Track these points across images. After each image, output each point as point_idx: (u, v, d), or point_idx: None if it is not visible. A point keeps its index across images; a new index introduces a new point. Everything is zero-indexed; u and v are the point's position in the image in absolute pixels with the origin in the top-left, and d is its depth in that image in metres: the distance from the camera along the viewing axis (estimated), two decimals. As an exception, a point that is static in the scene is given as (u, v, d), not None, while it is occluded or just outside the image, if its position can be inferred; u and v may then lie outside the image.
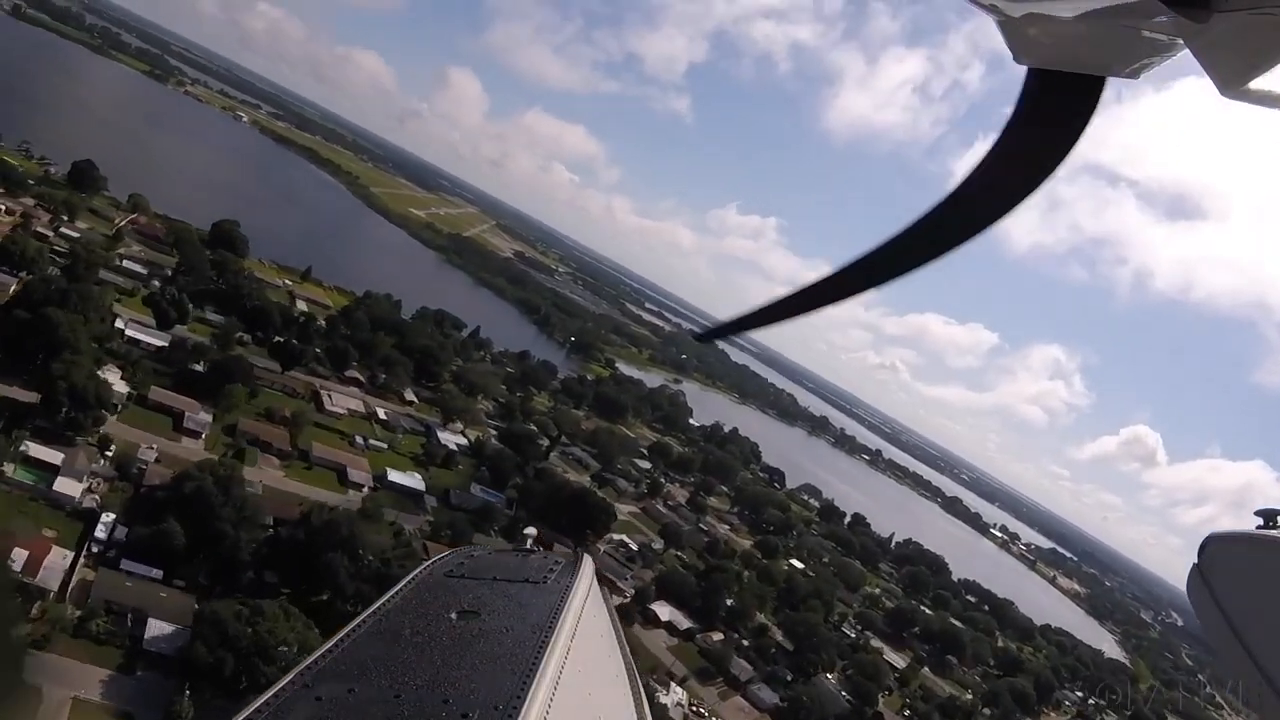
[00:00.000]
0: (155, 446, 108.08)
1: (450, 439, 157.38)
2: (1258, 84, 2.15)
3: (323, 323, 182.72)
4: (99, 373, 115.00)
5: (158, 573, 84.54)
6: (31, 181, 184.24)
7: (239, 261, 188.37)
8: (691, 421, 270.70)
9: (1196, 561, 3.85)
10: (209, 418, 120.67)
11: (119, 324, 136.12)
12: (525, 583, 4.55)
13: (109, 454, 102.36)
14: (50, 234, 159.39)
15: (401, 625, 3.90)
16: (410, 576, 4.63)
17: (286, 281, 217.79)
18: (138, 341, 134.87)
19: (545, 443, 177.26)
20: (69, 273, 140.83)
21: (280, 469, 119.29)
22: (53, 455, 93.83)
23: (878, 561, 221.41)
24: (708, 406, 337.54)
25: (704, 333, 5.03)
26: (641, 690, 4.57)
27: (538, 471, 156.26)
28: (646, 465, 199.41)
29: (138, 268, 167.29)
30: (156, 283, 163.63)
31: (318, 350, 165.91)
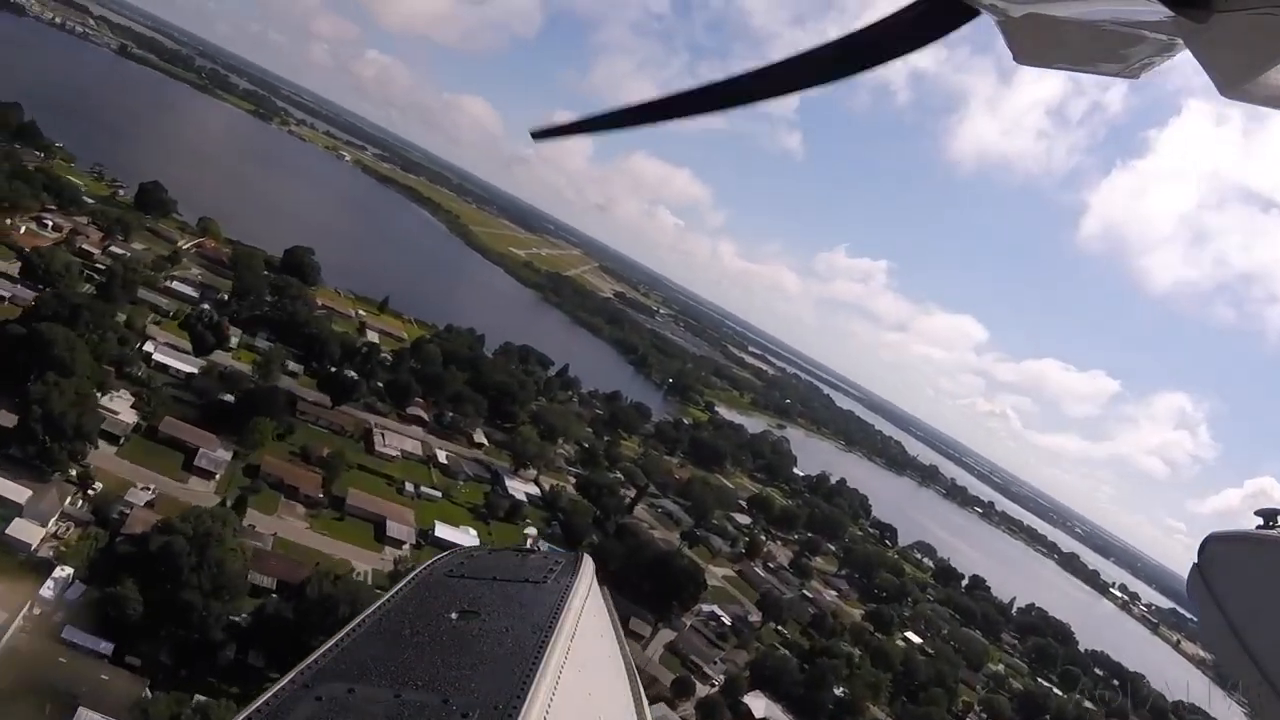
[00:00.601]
0: (153, 487, 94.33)
1: (519, 488, 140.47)
2: (1258, 84, 2.20)
3: (388, 355, 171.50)
4: (105, 398, 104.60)
5: (107, 647, 69.10)
6: (91, 200, 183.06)
7: (303, 288, 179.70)
8: (796, 471, 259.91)
9: (1196, 561, 4.02)
10: (228, 455, 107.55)
11: (149, 347, 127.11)
12: (525, 583, 4.59)
13: (92, 492, 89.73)
14: (96, 252, 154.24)
15: (401, 625, 3.96)
16: (410, 576, 4.65)
17: (360, 312, 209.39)
18: (166, 367, 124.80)
19: (631, 493, 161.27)
20: (103, 291, 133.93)
21: (305, 519, 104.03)
22: (18, 491, 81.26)
23: (999, 631, 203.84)
24: (813, 454, 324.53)
25: (538, 131, 4.71)
26: (641, 690, 4.61)
27: (619, 528, 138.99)
28: (745, 520, 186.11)
29: (188, 290, 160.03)
30: (206, 306, 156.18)
31: (379, 384, 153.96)
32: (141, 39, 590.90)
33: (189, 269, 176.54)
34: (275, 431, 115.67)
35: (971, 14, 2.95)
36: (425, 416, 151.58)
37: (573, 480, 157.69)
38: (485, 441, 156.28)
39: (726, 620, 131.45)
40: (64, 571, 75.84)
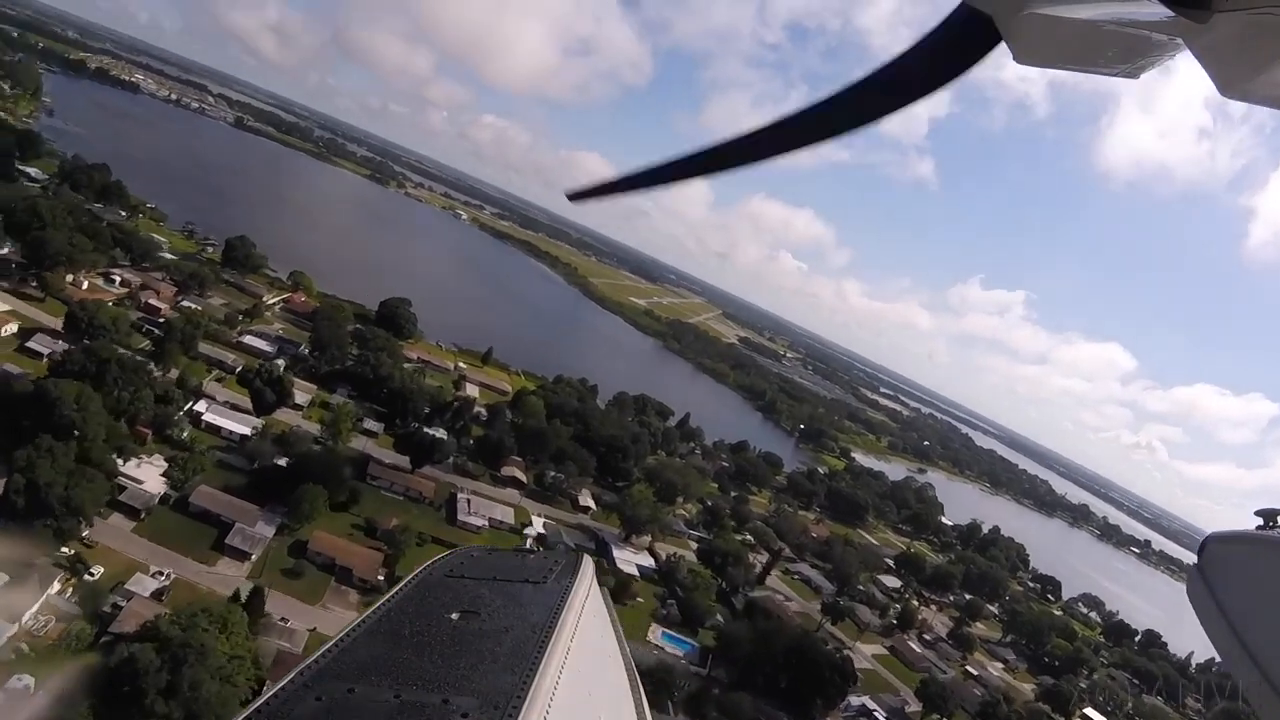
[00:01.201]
0: (168, 572, 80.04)
1: (630, 559, 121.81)
2: (1258, 84, 2.28)
3: (483, 410, 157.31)
4: (131, 465, 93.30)
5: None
6: (171, 256, 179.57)
7: (390, 341, 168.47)
8: (944, 520, 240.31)
9: (1196, 562, 4.27)
10: (270, 531, 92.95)
11: (200, 406, 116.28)
12: (525, 583, 4.81)
13: (89, 577, 76.12)
14: (164, 307, 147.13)
15: (401, 625, 4.16)
16: (410, 576, 4.90)
17: (460, 364, 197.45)
18: (218, 428, 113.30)
19: (762, 559, 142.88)
20: (159, 346, 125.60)
21: (357, 607, 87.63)
22: (-12, 580, 68.40)
23: (1182, 697, 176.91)
24: (958, 499, 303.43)
25: (575, 193, 4.94)
26: (641, 690, 4.87)
27: (748, 604, 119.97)
28: (894, 583, 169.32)
29: (262, 345, 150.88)
30: (280, 360, 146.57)
31: (470, 442, 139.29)
32: (260, 113, 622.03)
33: (270, 323, 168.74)
34: (335, 501, 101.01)
35: (996, 39, 3.02)
36: (523, 478, 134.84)
37: (694, 546, 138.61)
38: (592, 505, 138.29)
39: (881, 715, 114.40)
40: (22, 681, 61.37)
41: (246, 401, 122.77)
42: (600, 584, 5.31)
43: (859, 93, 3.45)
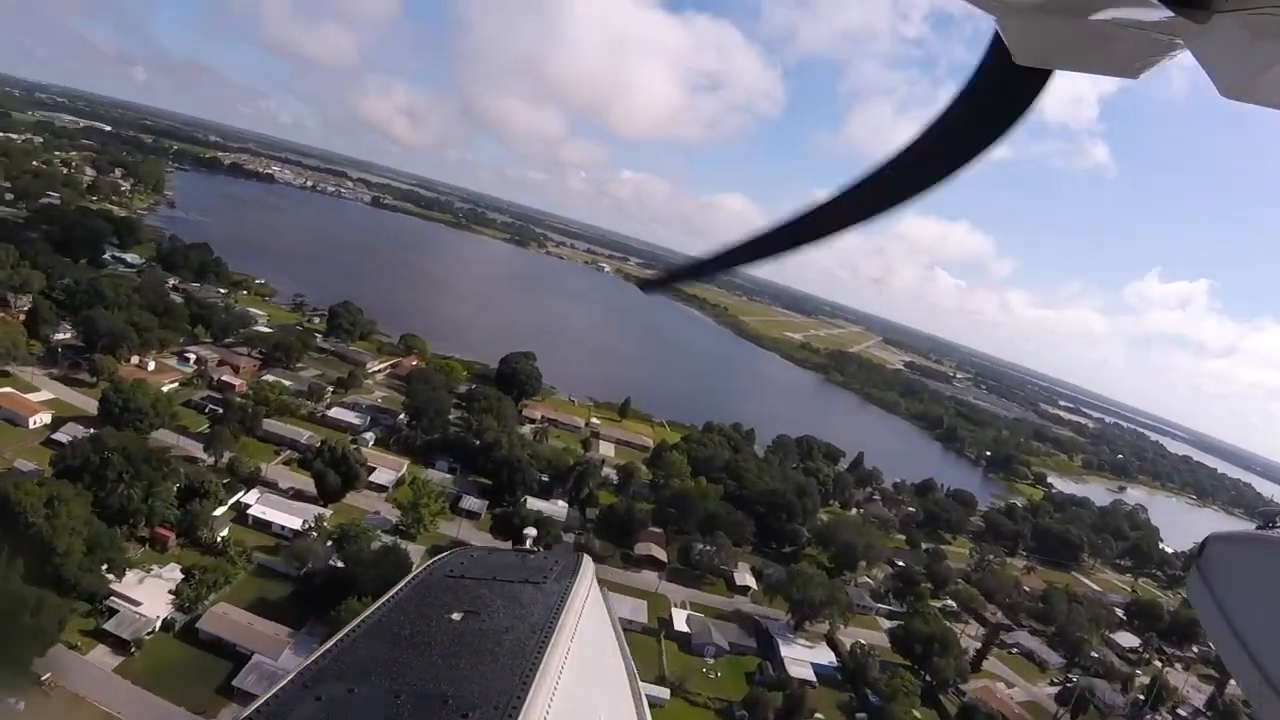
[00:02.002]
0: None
1: (802, 656, 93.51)
2: (1258, 84, 2.31)
3: (613, 473, 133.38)
4: (134, 579, 73.77)
5: None
6: (266, 329, 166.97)
7: (502, 401, 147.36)
8: (1163, 547, 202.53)
9: (1197, 562, 4.32)
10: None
11: (250, 497, 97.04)
12: (525, 583, 4.91)
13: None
14: (239, 383, 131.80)
15: (401, 625, 4.27)
16: (410, 576, 4.98)
17: (593, 420, 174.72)
18: (267, 524, 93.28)
19: (971, 629, 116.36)
20: (217, 422, 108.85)
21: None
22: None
23: None
24: (1167, 517, 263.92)
25: (645, 282, 5.17)
26: (641, 690, 4.99)
27: (965, 710, 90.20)
28: (1129, 640, 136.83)
29: (350, 417, 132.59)
30: (370, 435, 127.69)
31: (598, 514, 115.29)
32: (399, 192, 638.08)
33: (370, 392, 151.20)
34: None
35: (1044, 76, 3.06)
36: (662, 556, 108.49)
37: (885, 626, 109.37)
38: (752, 583, 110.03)
39: None
40: None
41: (314, 487, 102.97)
42: (603, 590, 5.25)
43: (908, 162, 3.38)
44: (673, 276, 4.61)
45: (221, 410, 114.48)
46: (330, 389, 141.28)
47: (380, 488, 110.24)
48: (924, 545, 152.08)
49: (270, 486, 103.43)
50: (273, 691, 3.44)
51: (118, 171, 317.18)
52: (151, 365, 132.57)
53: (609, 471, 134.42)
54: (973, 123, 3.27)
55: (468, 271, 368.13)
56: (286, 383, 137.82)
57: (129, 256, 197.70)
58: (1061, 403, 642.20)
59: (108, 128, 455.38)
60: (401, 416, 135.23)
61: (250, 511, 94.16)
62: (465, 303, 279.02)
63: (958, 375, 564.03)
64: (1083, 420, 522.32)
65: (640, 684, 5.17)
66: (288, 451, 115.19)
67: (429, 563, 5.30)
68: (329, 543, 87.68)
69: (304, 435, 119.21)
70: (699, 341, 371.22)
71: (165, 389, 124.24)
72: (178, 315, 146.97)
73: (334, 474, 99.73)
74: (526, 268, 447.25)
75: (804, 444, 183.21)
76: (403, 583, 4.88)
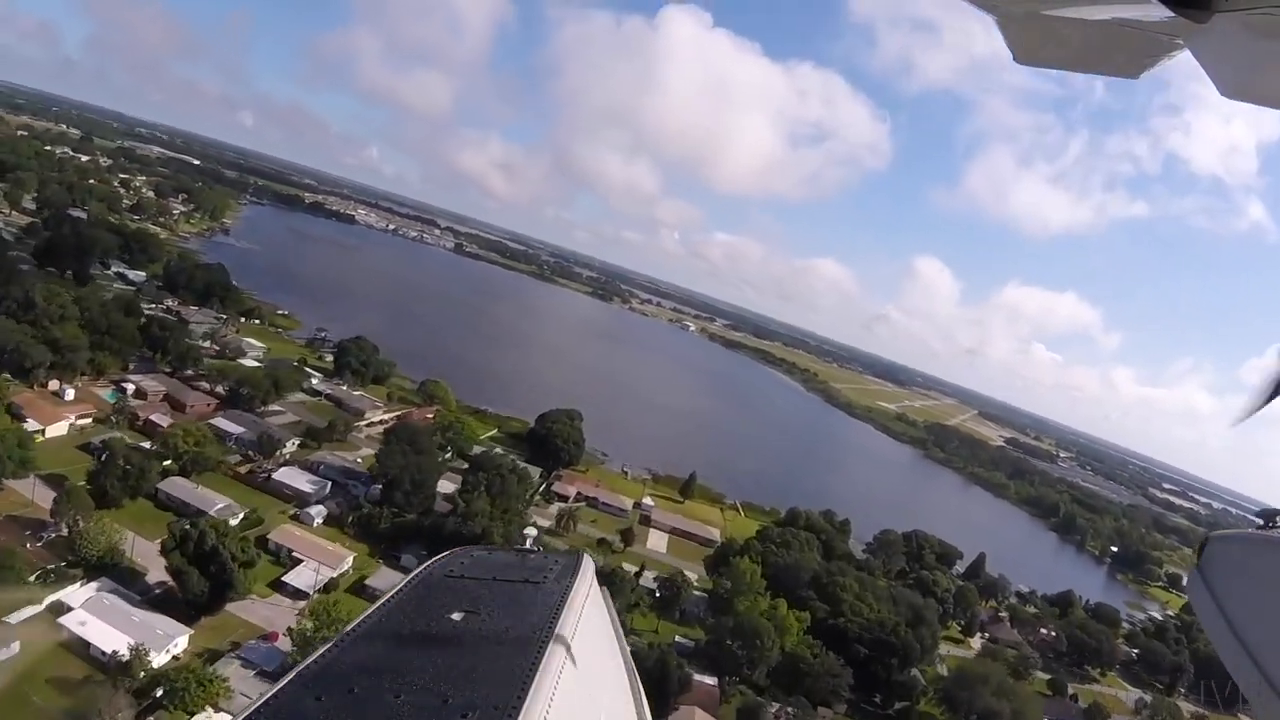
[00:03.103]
0: None
1: None
2: (1258, 84, 2.31)
3: (657, 585, 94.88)
4: None
5: None
6: (252, 363, 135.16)
7: (512, 474, 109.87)
8: None
9: (1196, 562, 4.30)
10: None
11: (78, 595, 61.51)
12: (525, 583, 4.82)
13: None
14: (168, 423, 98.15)
15: (401, 625, 4.19)
16: (410, 576, 4.86)
17: (646, 501, 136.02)
18: (86, 643, 57.42)
19: None
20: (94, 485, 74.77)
21: None
22: None
23: None
24: None
25: None
26: (641, 690, 4.91)
27: None
28: None
29: (301, 483, 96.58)
30: (319, 509, 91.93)
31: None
32: (485, 242, 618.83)
33: (357, 449, 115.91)
34: None
35: None
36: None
37: None
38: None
39: None
40: None
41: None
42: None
43: None
44: None
45: (103, 459, 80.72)
46: (294, 442, 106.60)
47: (300, 594, 73.95)
48: (1071, 694, 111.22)
49: (132, 578, 68.41)
50: (273, 691, 3.35)
51: (180, 197, 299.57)
52: (70, 393, 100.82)
53: (651, 580, 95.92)
54: None
55: (535, 319, 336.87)
56: (236, 428, 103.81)
57: (132, 273, 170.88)
58: (1166, 485, 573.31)
59: (196, 162, 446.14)
60: (377, 487, 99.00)
61: (64, 620, 58.77)
62: (520, 351, 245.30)
63: (1061, 454, 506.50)
64: (1193, 506, 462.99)
65: (640, 683, 4.97)
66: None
67: (429, 562, 5.11)
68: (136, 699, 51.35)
69: (219, 503, 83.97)
70: (785, 408, 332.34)
71: (64, 425, 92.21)
72: (124, 336, 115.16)
73: (198, 576, 63.40)
74: (604, 320, 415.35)
75: (912, 541, 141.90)
76: (403, 582, 4.69)
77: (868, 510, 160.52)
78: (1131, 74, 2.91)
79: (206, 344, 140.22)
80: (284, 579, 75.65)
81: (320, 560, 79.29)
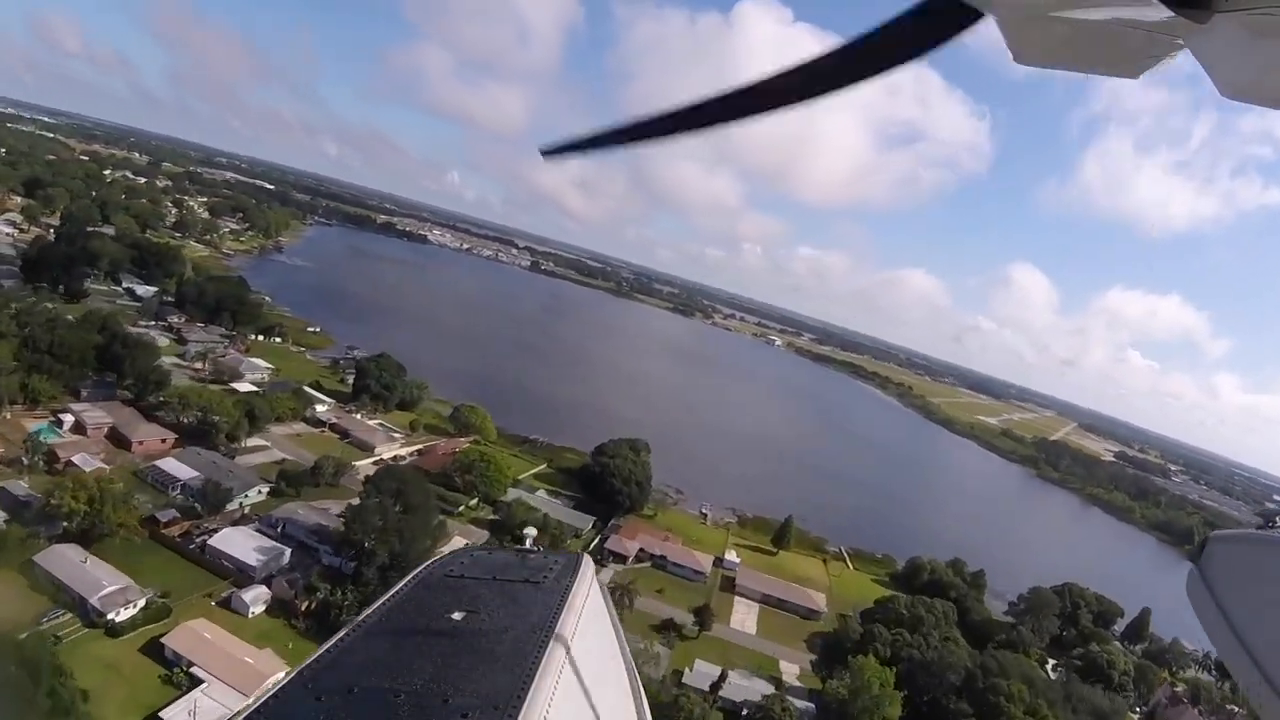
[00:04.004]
0: None
1: None
2: (1258, 84, 2.28)
3: (744, 682, 65.44)
4: None
5: None
6: (249, 387, 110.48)
7: (550, 536, 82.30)
8: None
9: (1196, 562, 4.25)
10: None
11: None
12: (525, 583, 4.78)
13: None
14: (94, 469, 73.16)
15: (401, 625, 4.20)
16: (410, 576, 4.86)
17: (729, 558, 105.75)
18: None
19: None
20: None
21: None
22: None
23: None
24: None
25: (549, 149, 4.43)
26: (641, 690, 4.88)
27: None
28: None
29: (245, 550, 69.78)
30: (258, 593, 64.94)
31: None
32: (563, 260, 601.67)
33: (349, 496, 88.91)
34: None
35: (975, 16, 2.96)
36: None
37: None
38: None
39: None
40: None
41: None
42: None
43: (838, 58, 3.24)
44: (579, 145, 3.88)
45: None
46: (259, 490, 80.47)
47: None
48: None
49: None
50: (273, 691, 3.33)
51: (236, 216, 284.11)
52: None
53: (735, 691, 66.33)
54: (891, 42, 3.08)
55: (608, 336, 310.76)
56: (186, 472, 78.13)
57: (141, 288, 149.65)
58: (1276, 497, 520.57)
59: (269, 186, 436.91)
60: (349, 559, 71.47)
61: None
62: (588, 370, 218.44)
63: (1171, 468, 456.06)
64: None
65: (640, 683, 4.92)
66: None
67: (429, 562, 5.05)
68: None
69: (109, 585, 57.73)
70: (882, 427, 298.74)
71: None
72: (73, 357, 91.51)
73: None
74: (683, 336, 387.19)
75: (1065, 598, 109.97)
76: (403, 582, 4.66)
77: (993, 548, 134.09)
78: (1131, 74, 2.85)
79: (199, 365, 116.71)
80: (161, 715, 48.70)
81: (228, 681, 51.99)
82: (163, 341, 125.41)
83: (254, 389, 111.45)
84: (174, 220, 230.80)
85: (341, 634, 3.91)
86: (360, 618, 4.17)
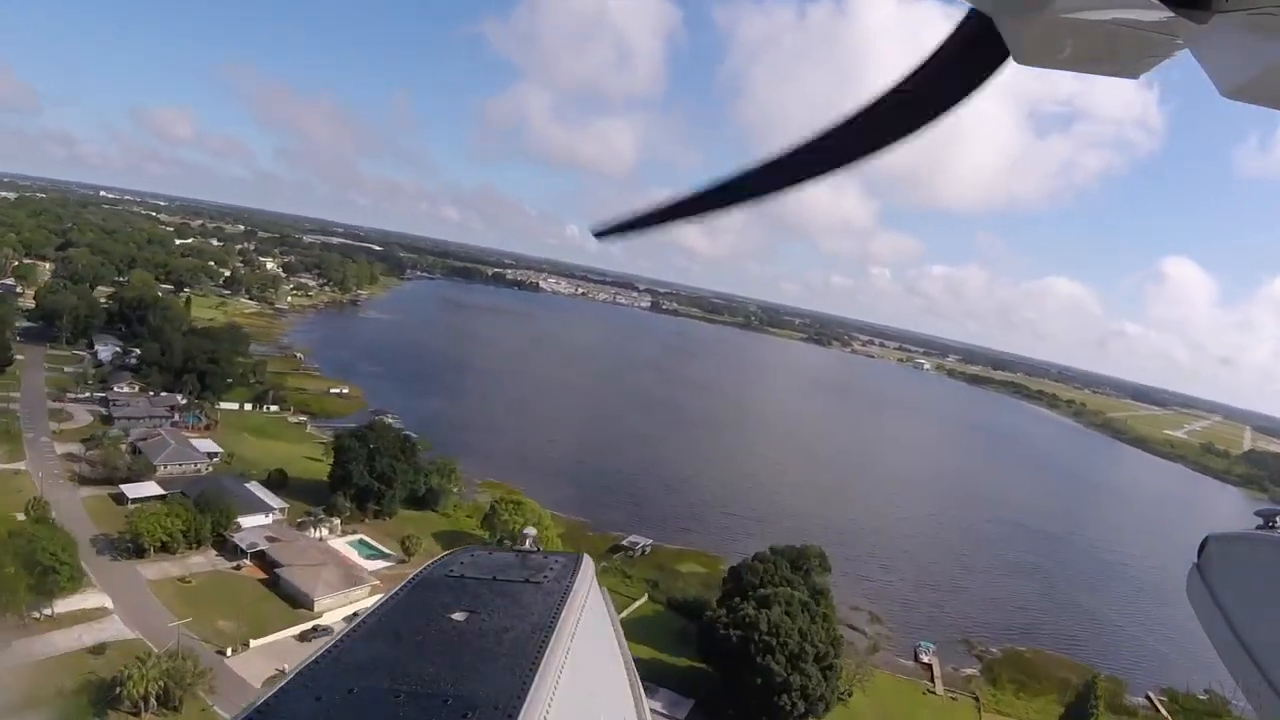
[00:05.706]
0: None
1: None
2: (1258, 84, 2.24)
3: None
4: None
5: None
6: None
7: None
8: None
9: (1196, 561, 4.21)
10: None
11: None
12: (525, 583, 4.72)
13: None
14: None
15: (401, 625, 4.11)
16: (411, 576, 4.77)
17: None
18: None
19: None
20: None
21: None
22: None
23: None
24: None
25: (599, 229, 4.44)
26: (641, 690, 4.84)
27: None
28: None
29: None
30: None
31: None
32: (684, 299, 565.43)
33: (333, 630, 42.36)
34: None
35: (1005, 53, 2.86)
36: None
37: None
38: None
39: None
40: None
41: None
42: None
43: (871, 117, 3.17)
44: (630, 224, 3.80)
45: None
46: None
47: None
48: None
49: None
50: (273, 691, 3.26)
51: (313, 272, 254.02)
52: None
53: None
54: (932, 91, 3.03)
55: (744, 374, 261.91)
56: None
57: (104, 349, 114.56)
58: None
59: (377, 247, 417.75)
60: None
61: None
62: (714, 424, 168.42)
63: None
64: None
65: (640, 683, 4.86)
66: None
67: (429, 562, 4.99)
68: None
69: None
70: (1083, 456, 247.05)
71: None
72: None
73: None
74: (827, 367, 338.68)
75: None
76: (403, 582, 4.57)
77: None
78: (1131, 74, 2.80)
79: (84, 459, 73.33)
80: None
81: None
82: (84, 419, 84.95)
83: (157, 493, 66.86)
84: (224, 277, 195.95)
85: (341, 634, 3.76)
86: (361, 617, 4.00)
